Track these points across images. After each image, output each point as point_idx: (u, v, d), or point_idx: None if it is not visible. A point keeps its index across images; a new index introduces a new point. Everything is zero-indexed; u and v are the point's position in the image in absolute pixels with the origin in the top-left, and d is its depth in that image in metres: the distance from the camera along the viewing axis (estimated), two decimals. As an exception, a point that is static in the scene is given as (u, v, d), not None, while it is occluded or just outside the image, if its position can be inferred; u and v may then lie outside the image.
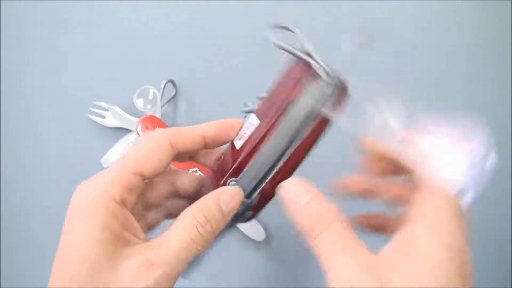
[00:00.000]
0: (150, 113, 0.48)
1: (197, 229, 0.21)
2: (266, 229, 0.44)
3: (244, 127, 0.26)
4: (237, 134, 0.26)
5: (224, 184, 0.24)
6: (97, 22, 0.54)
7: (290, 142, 0.23)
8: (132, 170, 0.22)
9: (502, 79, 0.52)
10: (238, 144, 0.25)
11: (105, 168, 0.47)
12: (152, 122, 0.47)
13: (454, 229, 0.20)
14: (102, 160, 0.48)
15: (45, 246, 0.47)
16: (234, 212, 0.23)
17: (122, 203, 0.21)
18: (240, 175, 0.24)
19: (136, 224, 0.22)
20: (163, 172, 0.24)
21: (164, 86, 0.48)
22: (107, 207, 0.21)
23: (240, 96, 0.51)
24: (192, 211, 0.22)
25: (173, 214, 0.27)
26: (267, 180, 0.24)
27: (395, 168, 0.24)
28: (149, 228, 0.26)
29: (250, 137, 0.24)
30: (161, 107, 0.48)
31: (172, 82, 0.50)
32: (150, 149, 0.23)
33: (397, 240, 0.20)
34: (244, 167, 0.24)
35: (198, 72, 0.52)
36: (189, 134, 0.25)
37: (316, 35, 0.55)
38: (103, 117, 0.49)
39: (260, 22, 0.54)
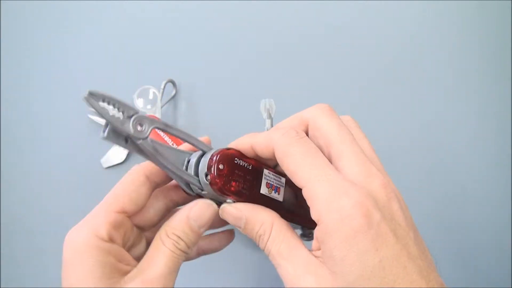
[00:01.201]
0: (150, 113, 0.48)
1: (174, 245, 0.24)
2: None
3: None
4: None
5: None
6: (97, 22, 0.54)
7: None
8: (114, 209, 0.25)
9: (502, 79, 0.52)
10: None
11: (105, 168, 0.47)
12: (152, 122, 0.47)
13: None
14: (102, 160, 0.48)
15: (45, 246, 0.47)
16: (208, 225, 0.25)
17: (111, 240, 0.24)
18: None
19: (127, 255, 0.25)
20: (145, 203, 0.26)
21: (164, 86, 0.48)
22: (100, 247, 0.23)
23: (240, 96, 0.51)
24: (165, 230, 0.25)
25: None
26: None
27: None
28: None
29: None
30: (161, 107, 0.48)
31: (172, 82, 0.50)
32: (127, 186, 0.26)
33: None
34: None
35: (198, 72, 0.52)
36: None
37: (317, 36, 0.55)
38: (103, 117, 0.49)
39: (260, 23, 0.54)
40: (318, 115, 0.24)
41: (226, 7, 0.54)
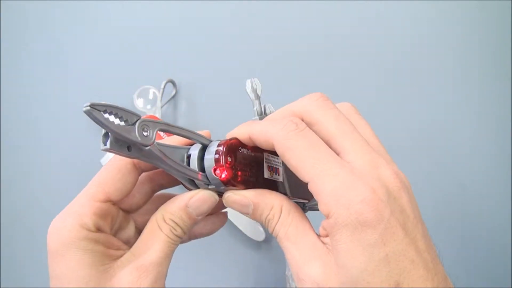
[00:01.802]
0: (150, 113, 0.48)
1: (171, 231, 0.24)
2: (266, 229, 0.44)
3: None
4: None
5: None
6: (97, 22, 0.54)
7: None
8: (100, 199, 0.24)
9: (502, 79, 0.52)
10: None
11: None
12: (152, 122, 0.47)
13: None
14: (102, 160, 0.48)
15: (45, 246, 0.47)
16: (206, 213, 0.25)
17: (98, 230, 0.23)
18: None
19: (116, 240, 0.25)
20: (131, 191, 0.26)
21: (164, 86, 0.48)
22: (88, 238, 0.23)
23: (240, 96, 0.51)
24: (162, 215, 0.24)
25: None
26: None
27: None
28: (140, 229, 0.28)
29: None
30: (161, 107, 0.48)
31: (172, 82, 0.50)
32: (113, 174, 0.25)
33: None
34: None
35: (198, 72, 0.52)
36: None
37: (316, 36, 0.55)
38: (103, 117, 0.49)
39: (260, 22, 0.54)
40: (312, 109, 0.23)
41: (226, 7, 0.54)
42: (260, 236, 0.44)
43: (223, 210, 0.30)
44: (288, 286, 0.42)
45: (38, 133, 0.50)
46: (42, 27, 0.54)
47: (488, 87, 0.52)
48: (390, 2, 0.54)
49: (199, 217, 0.25)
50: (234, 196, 0.24)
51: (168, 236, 0.24)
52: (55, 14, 0.55)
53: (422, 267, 0.19)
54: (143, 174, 0.26)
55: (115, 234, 0.25)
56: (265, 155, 0.26)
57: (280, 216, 0.23)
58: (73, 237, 0.23)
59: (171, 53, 0.53)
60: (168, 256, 0.24)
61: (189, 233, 0.29)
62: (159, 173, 0.27)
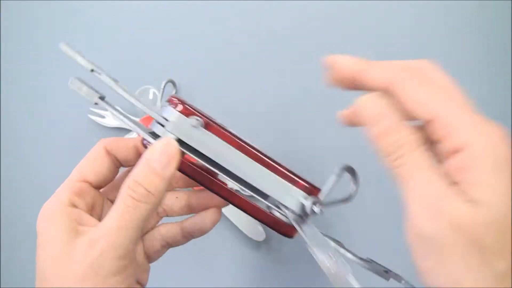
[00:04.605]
0: (150, 113, 0.48)
1: (130, 196, 0.23)
2: (266, 229, 0.44)
3: None
4: None
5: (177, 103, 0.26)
6: (97, 22, 0.54)
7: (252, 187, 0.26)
8: (76, 178, 0.27)
9: (502, 79, 0.52)
10: None
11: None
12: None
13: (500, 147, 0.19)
14: (102, 160, 0.48)
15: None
16: (173, 166, 0.23)
17: (72, 205, 0.26)
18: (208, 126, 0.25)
19: (90, 218, 0.26)
20: (110, 178, 0.28)
21: (164, 86, 0.48)
22: (61, 211, 0.25)
23: (240, 96, 0.51)
24: (126, 181, 0.24)
25: (170, 243, 0.31)
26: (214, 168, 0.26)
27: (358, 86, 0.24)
28: (151, 257, 0.30)
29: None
30: (161, 107, 0.48)
31: (172, 82, 0.50)
32: (88, 157, 0.28)
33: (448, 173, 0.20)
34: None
35: (198, 72, 0.52)
36: (124, 143, 0.29)
37: (316, 36, 0.55)
38: (103, 117, 0.49)
39: (259, 22, 0.54)
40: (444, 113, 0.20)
41: (226, 7, 0.54)
42: (260, 236, 0.44)
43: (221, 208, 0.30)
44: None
45: (38, 133, 0.50)
46: (42, 27, 0.54)
47: (488, 87, 0.52)
48: (391, 2, 0.54)
49: (167, 172, 0.23)
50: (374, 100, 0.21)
51: (125, 204, 0.23)
52: (54, 14, 0.55)
53: None
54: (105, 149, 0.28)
55: (91, 213, 0.27)
56: None
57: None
58: (52, 210, 0.25)
59: (171, 53, 0.53)
60: (129, 225, 0.22)
61: (182, 231, 0.29)
62: (121, 148, 0.28)
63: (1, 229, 0.47)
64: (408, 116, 0.21)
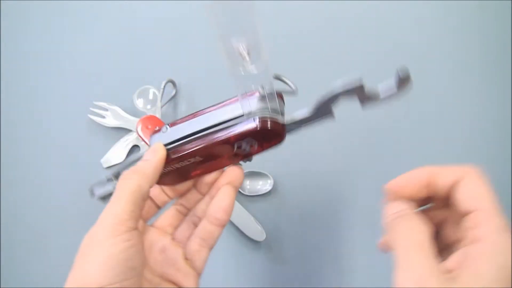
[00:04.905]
0: (150, 113, 0.48)
1: (129, 181, 0.28)
2: (266, 229, 0.44)
3: None
4: None
5: (160, 128, 0.31)
6: (97, 22, 0.54)
7: (215, 125, 0.29)
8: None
9: (502, 79, 0.52)
10: None
11: (105, 168, 0.47)
12: (152, 122, 0.47)
13: (508, 250, 0.22)
14: (102, 160, 0.48)
15: (46, 246, 0.47)
16: (159, 159, 0.29)
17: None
18: (175, 126, 0.31)
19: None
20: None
21: (164, 86, 0.48)
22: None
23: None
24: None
25: (204, 238, 0.33)
26: (183, 141, 0.30)
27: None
28: (194, 260, 0.32)
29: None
30: (161, 107, 0.48)
31: (172, 82, 0.50)
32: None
33: (459, 255, 0.23)
34: (180, 123, 0.31)
35: (198, 72, 0.52)
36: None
37: (317, 36, 0.55)
38: (103, 117, 0.49)
39: (260, 22, 0.54)
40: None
41: (226, 7, 0.54)
42: (260, 236, 0.44)
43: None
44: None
45: (38, 133, 0.50)
46: (42, 27, 0.54)
47: (488, 88, 0.52)
48: (390, 2, 0.54)
49: (151, 156, 0.29)
50: None
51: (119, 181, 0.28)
52: (54, 14, 0.55)
53: None
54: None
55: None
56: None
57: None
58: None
59: (171, 53, 0.53)
60: (121, 196, 0.27)
61: (209, 218, 0.32)
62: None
63: (1, 229, 0.47)
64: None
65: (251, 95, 0.29)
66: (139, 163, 0.29)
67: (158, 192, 0.33)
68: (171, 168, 0.30)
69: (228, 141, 0.29)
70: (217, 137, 0.29)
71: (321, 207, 0.46)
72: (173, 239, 0.32)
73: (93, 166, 0.48)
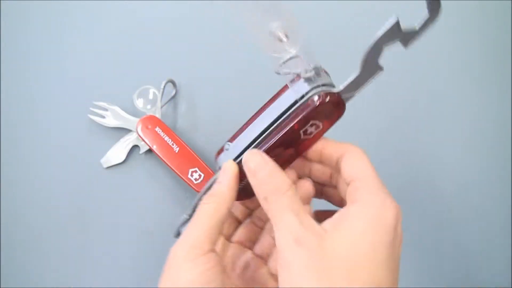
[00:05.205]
0: (150, 113, 0.48)
1: (206, 205, 0.28)
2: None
3: None
4: None
5: (223, 147, 0.30)
6: (97, 22, 0.54)
7: (274, 121, 0.29)
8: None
9: (502, 79, 0.52)
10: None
11: (105, 168, 0.47)
12: (152, 122, 0.47)
13: (382, 208, 0.25)
14: (102, 160, 0.48)
15: (45, 246, 0.47)
16: (232, 177, 0.28)
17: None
18: (235, 139, 0.30)
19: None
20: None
21: (164, 86, 0.48)
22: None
23: (240, 96, 0.51)
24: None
25: None
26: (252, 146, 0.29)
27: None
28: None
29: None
30: (161, 107, 0.48)
31: (172, 82, 0.50)
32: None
33: (336, 217, 0.25)
34: (239, 134, 0.30)
35: (198, 72, 0.52)
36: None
37: (318, 36, 0.55)
38: (103, 117, 0.49)
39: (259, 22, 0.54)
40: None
41: (226, 7, 0.54)
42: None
43: None
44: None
45: (38, 133, 0.50)
46: (41, 27, 0.54)
47: (488, 87, 0.52)
48: (390, 2, 0.54)
49: (230, 182, 0.28)
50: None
51: (208, 213, 0.27)
52: (54, 13, 0.55)
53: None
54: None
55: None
56: None
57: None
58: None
59: (171, 53, 0.53)
60: (197, 222, 0.27)
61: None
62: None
63: (1, 229, 0.47)
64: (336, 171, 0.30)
65: (299, 79, 0.29)
66: (214, 186, 0.29)
67: (237, 205, 0.33)
68: (247, 181, 0.29)
69: (293, 131, 0.28)
70: (281, 132, 0.28)
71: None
72: (255, 254, 0.32)
73: (93, 166, 0.48)
